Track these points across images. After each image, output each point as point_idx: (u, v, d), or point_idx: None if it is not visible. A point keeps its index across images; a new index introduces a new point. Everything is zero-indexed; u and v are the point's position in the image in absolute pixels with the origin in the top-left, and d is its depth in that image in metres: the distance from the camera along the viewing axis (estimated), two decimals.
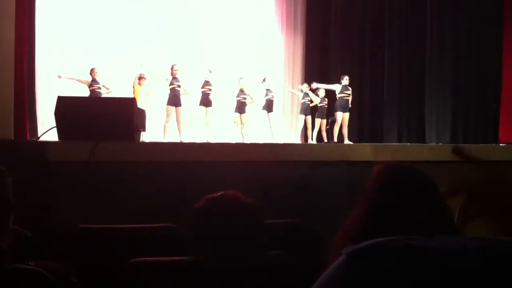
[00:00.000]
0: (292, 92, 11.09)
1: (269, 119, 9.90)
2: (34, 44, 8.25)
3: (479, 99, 10.13)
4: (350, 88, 9.74)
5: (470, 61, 10.14)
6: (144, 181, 3.41)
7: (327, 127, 10.21)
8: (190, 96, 9.37)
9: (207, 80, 9.27)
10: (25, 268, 1.49)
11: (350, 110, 9.83)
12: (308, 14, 11.46)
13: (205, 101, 9.22)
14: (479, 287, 0.87)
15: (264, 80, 10.01)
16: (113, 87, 8.95)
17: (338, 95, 9.73)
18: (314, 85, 10.10)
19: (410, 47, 10.88)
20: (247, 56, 11.10)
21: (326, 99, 10.12)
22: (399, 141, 10.58)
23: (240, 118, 9.55)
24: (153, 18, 10.45)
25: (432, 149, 4.90)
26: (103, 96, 8.53)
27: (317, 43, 11.44)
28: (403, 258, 0.86)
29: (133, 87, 8.76)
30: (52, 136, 4.55)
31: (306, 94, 10.13)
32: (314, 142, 9.96)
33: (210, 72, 9.32)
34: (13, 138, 5.70)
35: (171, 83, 8.83)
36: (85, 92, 8.61)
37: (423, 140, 10.31)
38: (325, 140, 10.09)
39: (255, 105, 9.98)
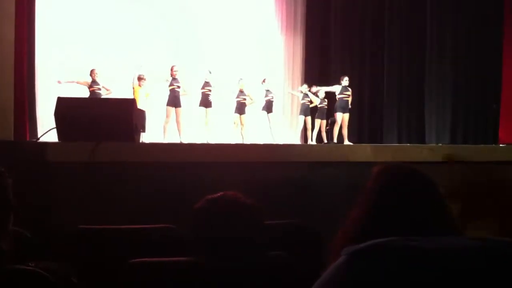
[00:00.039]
0: (292, 93, 11.09)
1: (269, 120, 9.90)
2: (33, 44, 8.25)
3: (479, 99, 10.14)
4: (349, 89, 9.74)
5: (470, 61, 10.15)
6: (144, 182, 3.41)
7: (327, 127, 10.20)
8: (190, 97, 9.37)
9: (207, 81, 9.26)
10: (25, 269, 1.49)
11: (350, 111, 9.82)
12: (308, 14, 11.46)
13: (205, 102, 9.22)
14: (479, 287, 0.87)
15: (264, 80, 10.01)
16: (113, 88, 8.95)
17: (338, 96, 9.72)
18: (314, 89, 10.11)
19: (410, 47, 10.88)
20: (246, 56, 11.09)
21: (326, 100, 10.12)
22: (399, 141, 10.58)
23: (240, 119, 9.55)
24: (152, 19, 10.44)
25: (432, 150, 4.91)
26: (103, 97, 8.53)
27: (317, 44, 11.44)
28: (403, 258, 0.86)
29: (133, 88, 8.76)
30: (52, 137, 4.55)
31: (306, 95, 10.13)
32: (314, 142, 9.96)
33: (210, 73, 9.32)
34: (13, 139, 5.71)
35: (171, 84, 8.83)
36: (85, 93, 8.61)
37: (423, 141, 10.32)
38: (325, 141, 10.09)
39: (255, 106, 9.97)
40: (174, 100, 8.82)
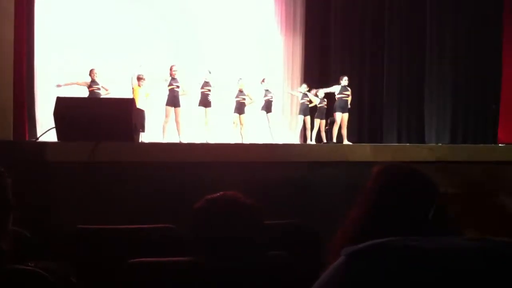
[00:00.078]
0: (291, 93, 11.09)
1: (268, 120, 9.90)
2: (33, 45, 8.24)
3: (478, 99, 10.14)
4: (349, 89, 9.73)
5: (470, 61, 10.15)
6: (143, 182, 3.41)
7: (326, 127, 10.20)
8: (189, 96, 9.37)
9: (206, 80, 9.26)
10: (24, 269, 1.49)
11: (350, 111, 9.82)
12: (308, 14, 11.45)
13: (205, 102, 9.22)
14: (479, 287, 0.87)
15: (263, 80, 10.00)
16: (113, 89, 8.94)
17: (337, 96, 9.72)
18: (313, 91, 10.10)
19: (410, 47, 10.88)
20: (246, 57, 11.08)
21: (325, 100, 10.11)
22: (399, 141, 10.58)
23: (239, 119, 9.55)
24: (152, 21, 10.43)
25: (432, 150, 4.91)
26: (102, 97, 8.52)
27: (317, 44, 11.43)
28: (402, 259, 0.86)
29: (133, 88, 8.76)
30: (51, 136, 4.55)
31: (305, 95, 10.12)
32: (313, 142, 9.95)
33: (210, 72, 9.32)
34: (12, 139, 5.70)
35: (170, 84, 8.82)
36: (84, 93, 8.60)
37: (422, 141, 10.32)
38: (324, 141, 10.08)
39: (254, 105, 9.97)
40: (173, 100, 8.81)
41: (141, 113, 8.06)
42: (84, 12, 9.79)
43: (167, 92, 8.84)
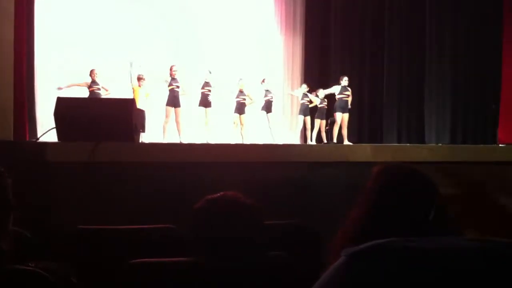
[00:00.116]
0: (291, 94, 11.08)
1: (268, 120, 9.90)
2: (33, 45, 8.24)
3: (478, 98, 10.14)
4: (349, 89, 9.73)
5: (470, 60, 10.15)
6: (143, 182, 3.41)
7: (327, 127, 10.20)
8: (189, 96, 9.37)
9: (206, 81, 9.26)
10: (25, 269, 1.49)
11: (350, 111, 9.82)
12: (308, 14, 11.45)
13: (205, 102, 9.22)
14: (479, 287, 0.87)
15: (263, 81, 10.00)
16: (112, 88, 8.95)
17: (337, 96, 9.72)
18: (314, 93, 10.10)
19: (410, 47, 10.88)
20: (246, 57, 11.08)
21: (325, 100, 10.11)
22: (399, 141, 10.58)
23: (240, 119, 9.55)
24: (152, 20, 10.43)
25: (432, 150, 4.92)
26: (102, 97, 8.52)
27: (317, 44, 11.42)
28: (402, 259, 0.86)
29: (133, 88, 8.76)
30: (51, 137, 4.55)
31: (306, 95, 10.12)
32: (314, 142, 9.95)
33: (210, 73, 9.31)
34: (12, 139, 5.70)
35: (170, 84, 8.82)
36: (84, 93, 8.61)
37: (422, 141, 10.32)
38: (325, 141, 10.08)
39: (254, 106, 9.97)
40: (173, 100, 8.81)
41: (141, 113, 8.06)
42: (84, 11, 9.79)
43: (167, 92, 8.85)
